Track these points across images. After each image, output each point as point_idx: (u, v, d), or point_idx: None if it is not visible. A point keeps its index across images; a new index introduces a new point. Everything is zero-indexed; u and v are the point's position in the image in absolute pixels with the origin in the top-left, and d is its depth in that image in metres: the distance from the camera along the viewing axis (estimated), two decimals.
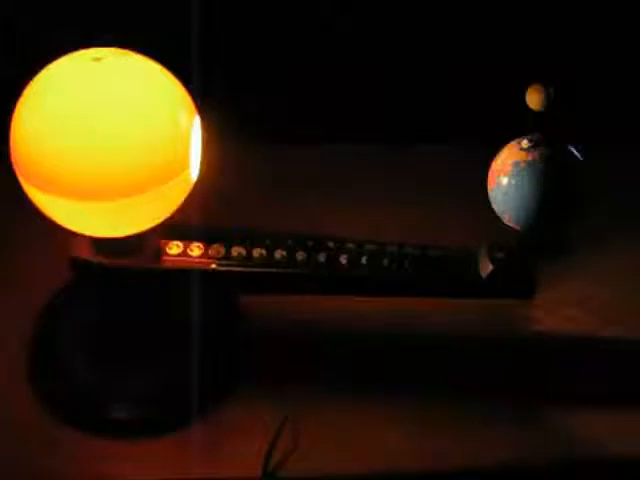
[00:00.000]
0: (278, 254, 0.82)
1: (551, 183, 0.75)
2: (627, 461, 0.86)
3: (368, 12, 1.07)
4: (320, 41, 1.08)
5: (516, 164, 0.75)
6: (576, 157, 0.76)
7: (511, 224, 0.77)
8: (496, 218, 0.78)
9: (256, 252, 0.82)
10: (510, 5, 1.06)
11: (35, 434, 0.84)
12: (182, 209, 0.78)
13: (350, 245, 0.84)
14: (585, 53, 1.08)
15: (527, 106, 0.75)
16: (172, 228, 0.80)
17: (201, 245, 0.82)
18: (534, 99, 0.75)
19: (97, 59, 0.71)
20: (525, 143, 0.76)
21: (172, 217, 0.78)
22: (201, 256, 0.82)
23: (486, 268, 0.82)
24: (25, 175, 0.72)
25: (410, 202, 1.05)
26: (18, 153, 0.72)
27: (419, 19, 1.08)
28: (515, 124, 0.76)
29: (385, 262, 0.83)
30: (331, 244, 0.84)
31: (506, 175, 0.76)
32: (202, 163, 0.78)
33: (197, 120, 0.76)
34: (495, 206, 0.78)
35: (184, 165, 0.74)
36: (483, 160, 0.80)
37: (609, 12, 1.07)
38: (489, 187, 0.78)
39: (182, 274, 0.81)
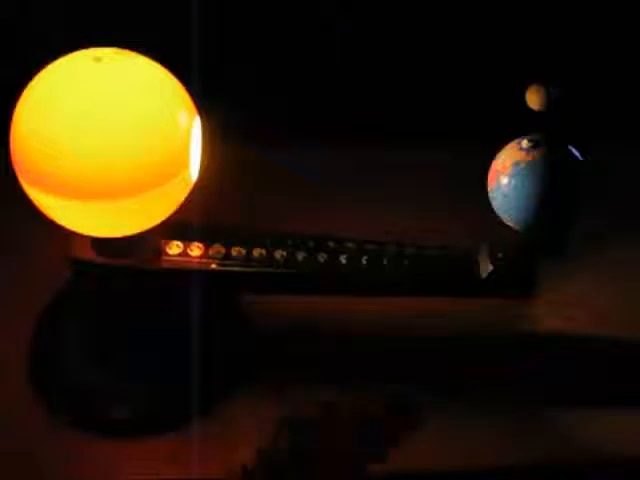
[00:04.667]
0: (278, 254, 0.82)
1: (551, 183, 0.75)
2: (627, 461, 0.86)
3: (368, 12, 1.07)
4: (320, 41, 1.08)
5: (516, 164, 0.75)
6: (576, 157, 0.76)
7: (511, 224, 0.77)
8: (496, 218, 0.78)
9: (256, 252, 0.82)
10: (510, 5, 1.06)
11: (35, 434, 0.84)
12: (182, 209, 0.78)
13: (350, 245, 0.84)
14: (585, 53, 1.08)
15: (527, 106, 0.75)
16: (172, 228, 0.80)
17: (201, 245, 0.82)
18: (534, 99, 0.75)
19: (97, 59, 0.71)
20: (525, 143, 0.76)
21: (172, 217, 0.78)
22: (201, 256, 0.82)
23: (486, 268, 0.82)
24: (25, 175, 0.72)
25: (410, 202, 1.04)
26: (18, 153, 0.72)
27: (420, 19, 1.08)
28: (515, 124, 0.76)
29: (385, 262, 0.83)
30: (331, 244, 0.84)
31: (506, 175, 0.76)
32: (202, 163, 0.78)
33: (197, 120, 0.76)
34: (495, 206, 0.78)
35: (184, 165, 0.74)
36: (483, 160, 0.80)
37: (609, 11, 1.06)
38: (489, 187, 0.78)
39: (182, 274, 0.81)
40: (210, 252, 0.82)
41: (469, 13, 1.07)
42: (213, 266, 0.82)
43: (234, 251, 0.82)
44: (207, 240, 0.82)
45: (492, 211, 0.78)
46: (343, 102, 1.09)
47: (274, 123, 1.07)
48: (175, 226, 0.80)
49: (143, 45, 0.75)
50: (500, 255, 0.82)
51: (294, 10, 1.06)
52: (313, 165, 1.07)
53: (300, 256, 0.83)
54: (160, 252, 0.81)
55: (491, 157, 0.79)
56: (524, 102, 0.75)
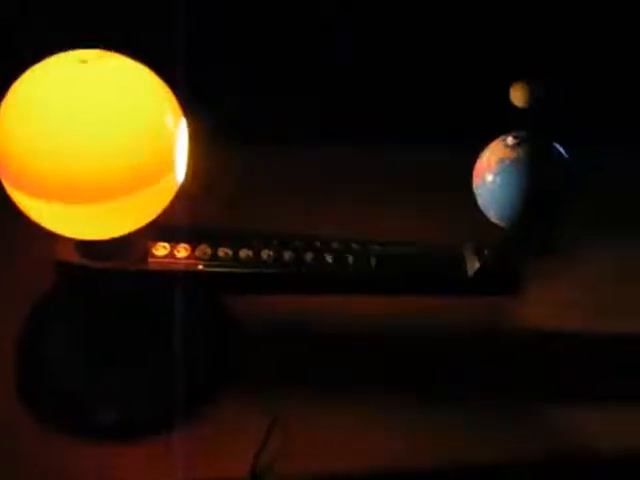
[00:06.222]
0: (265, 254, 0.82)
1: (536, 180, 0.75)
2: (619, 457, 0.87)
3: (368, 12, 1.07)
4: (320, 41, 1.08)
5: (501, 161, 0.76)
6: (561, 154, 0.77)
7: (497, 221, 0.78)
8: (483, 216, 0.78)
9: (243, 253, 0.82)
10: (497, 4, 1.06)
11: (23, 438, 0.83)
12: (168, 211, 0.78)
13: (336, 245, 0.84)
14: (570, 50, 1.08)
15: (512, 103, 0.75)
16: (158, 229, 0.80)
17: (187, 246, 0.82)
18: (518, 96, 0.75)
19: (83, 61, 0.71)
20: (510, 140, 0.77)
21: (158, 219, 0.78)
22: (187, 257, 0.81)
23: (473, 266, 0.83)
24: (9, 178, 0.71)
25: (397, 202, 1.05)
26: (1, 156, 0.71)
27: (420, 19, 1.08)
28: (505, 122, 0.77)
29: (372, 261, 0.83)
30: (318, 244, 0.84)
31: (491, 172, 0.76)
32: (188, 165, 0.77)
33: (183, 122, 0.76)
34: (480, 203, 0.78)
35: (169, 167, 0.74)
36: (470, 157, 0.80)
37: (594, 8, 1.07)
38: (474, 184, 0.78)
39: (169, 276, 0.81)
40: (197, 253, 0.82)
41: (470, 13, 1.07)
42: (200, 267, 0.81)
43: (221, 252, 0.82)
44: (193, 241, 0.82)
45: (479, 208, 0.78)
46: (343, 102, 1.09)
47: (274, 124, 1.07)
48: (161, 227, 0.80)
49: (129, 47, 0.74)
50: (486, 253, 0.82)
51: (294, 10, 1.06)
52: (312, 165, 1.07)
53: (287, 256, 0.82)
54: (146, 254, 0.81)
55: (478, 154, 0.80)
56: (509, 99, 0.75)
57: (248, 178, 1.05)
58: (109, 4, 1.00)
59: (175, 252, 0.82)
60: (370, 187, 1.07)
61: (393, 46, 1.09)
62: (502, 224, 0.78)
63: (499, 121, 0.76)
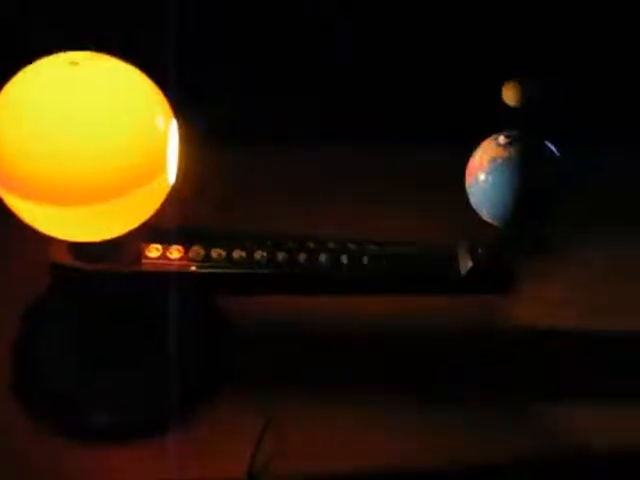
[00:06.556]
0: (258, 255, 0.82)
1: (528, 179, 0.75)
2: (617, 455, 0.87)
3: (368, 12, 1.07)
4: (320, 41, 1.08)
5: (493, 160, 0.76)
6: (553, 153, 0.77)
7: (489, 220, 0.77)
8: (475, 214, 0.78)
9: (236, 254, 0.82)
10: (498, 5, 1.06)
11: (17, 439, 0.83)
12: (161, 212, 0.78)
13: (330, 245, 0.84)
14: (569, 50, 1.08)
15: (504, 102, 0.75)
16: (151, 231, 0.80)
17: (180, 248, 0.82)
18: (510, 95, 0.75)
19: (74, 63, 0.71)
20: (502, 139, 0.76)
21: (151, 220, 0.78)
22: (181, 259, 0.81)
23: (465, 265, 0.82)
24: (0, 180, 0.71)
25: (396, 202, 1.05)
26: None
27: (421, 19, 1.08)
28: (498, 121, 0.77)
29: (365, 261, 0.83)
30: (311, 244, 0.84)
31: (483, 171, 0.76)
32: (180, 167, 0.77)
33: (174, 123, 0.76)
34: (473, 202, 0.78)
35: (161, 168, 0.74)
36: (464, 157, 0.80)
37: (593, 8, 1.07)
38: (467, 183, 0.78)
39: (162, 277, 0.81)
40: (190, 254, 0.82)
41: (471, 13, 1.07)
42: (193, 268, 0.81)
43: (214, 253, 0.82)
44: (186, 242, 0.82)
45: (471, 207, 0.78)
46: (343, 102, 1.09)
47: (274, 124, 1.07)
48: (154, 229, 0.80)
49: (120, 48, 0.75)
50: (479, 251, 0.82)
51: (294, 10, 1.06)
52: (312, 165, 1.07)
53: (280, 257, 0.82)
54: (139, 255, 0.81)
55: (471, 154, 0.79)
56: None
57: (247, 178, 1.05)
58: (106, 5, 1.00)
59: (168, 253, 0.81)
60: (370, 187, 1.07)
61: (393, 46, 1.09)
62: (494, 223, 0.77)
63: (501, 121, 0.76)
